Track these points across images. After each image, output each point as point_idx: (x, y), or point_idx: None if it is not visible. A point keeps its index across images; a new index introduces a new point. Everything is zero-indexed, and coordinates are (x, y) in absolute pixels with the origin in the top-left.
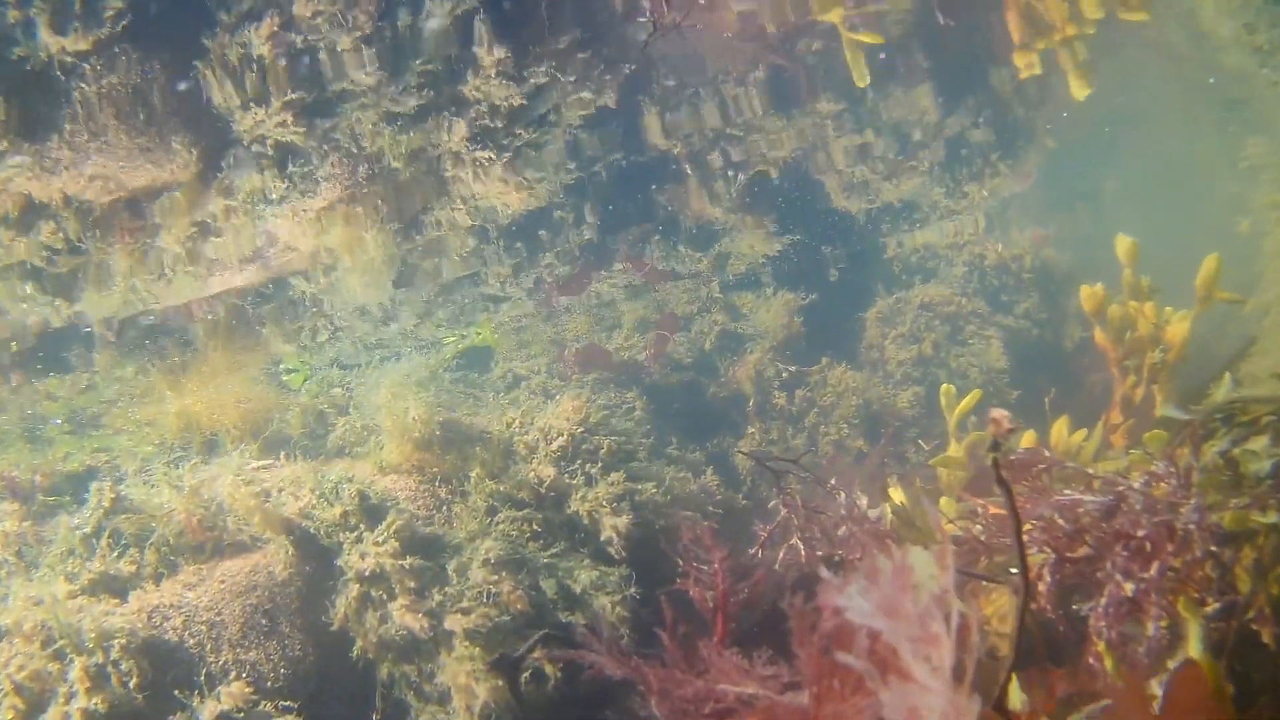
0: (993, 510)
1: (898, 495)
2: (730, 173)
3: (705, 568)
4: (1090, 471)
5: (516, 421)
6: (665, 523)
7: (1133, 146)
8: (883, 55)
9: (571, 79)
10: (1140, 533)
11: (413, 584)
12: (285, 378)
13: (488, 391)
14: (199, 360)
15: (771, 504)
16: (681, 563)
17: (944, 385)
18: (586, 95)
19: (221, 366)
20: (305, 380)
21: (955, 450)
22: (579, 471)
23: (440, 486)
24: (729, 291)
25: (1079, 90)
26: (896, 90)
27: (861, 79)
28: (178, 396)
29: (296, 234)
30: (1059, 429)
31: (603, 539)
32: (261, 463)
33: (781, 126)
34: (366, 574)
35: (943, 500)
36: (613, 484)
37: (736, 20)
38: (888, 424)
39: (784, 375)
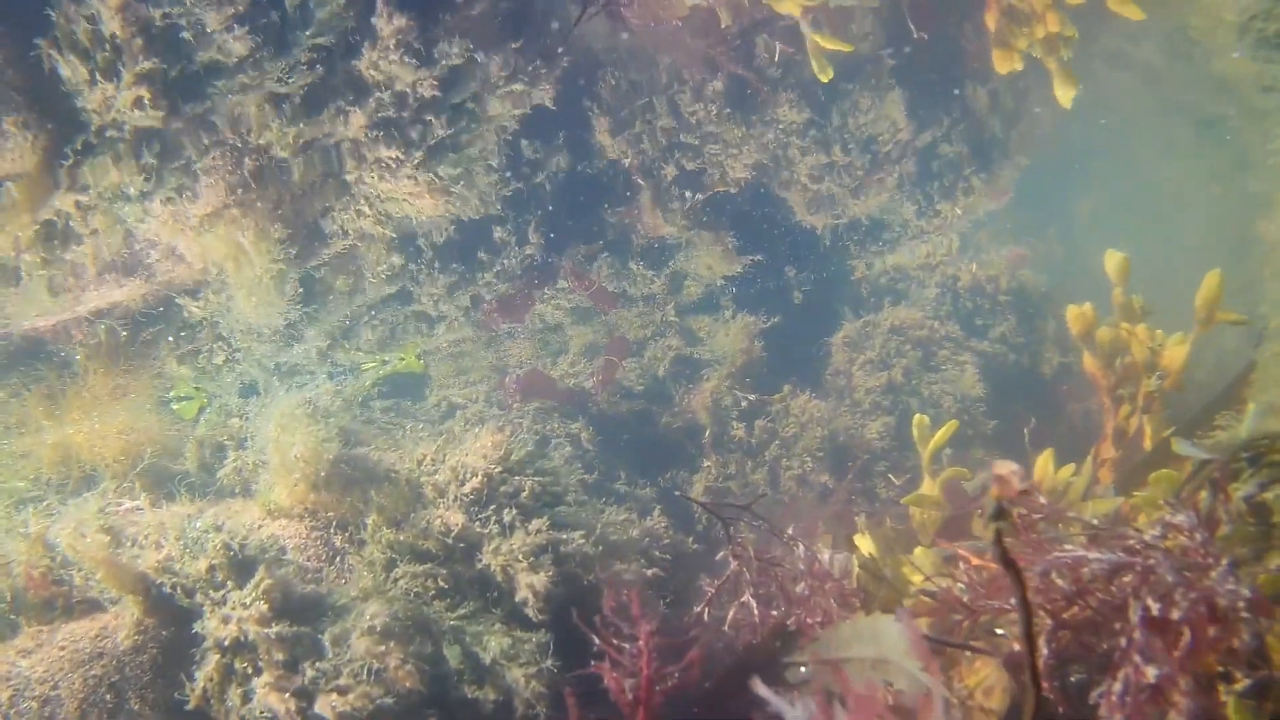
0: (975, 561)
1: (866, 544)
2: (687, 190)
3: (628, 646)
4: (1095, 523)
5: (428, 458)
6: (595, 578)
7: (1107, 170)
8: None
9: (496, 63)
10: (1175, 613)
11: (281, 655)
12: (176, 406)
13: (419, 421)
14: (80, 385)
15: (720, 555)
16: (598, 639)
17: (916, 416)
18: (518, 88)
19: (103, 393)
20: (202, 409)
21: (929, 487)
22: (493, 519)
23: (336, 534)
24: (686, 315)
25: (1064, 94)
26: (865, 100)
27: (824, 72)
28: (56, 426)
29: (181, 242)
30: (1043, 464)
31: (518, 599)
32: (132, 504)
33: (741, 137)
34: (228, 642)
35: (917, 552)
36: (533, 533)
37: (686, 8)
38: (855, 457)
39: (743, 404)
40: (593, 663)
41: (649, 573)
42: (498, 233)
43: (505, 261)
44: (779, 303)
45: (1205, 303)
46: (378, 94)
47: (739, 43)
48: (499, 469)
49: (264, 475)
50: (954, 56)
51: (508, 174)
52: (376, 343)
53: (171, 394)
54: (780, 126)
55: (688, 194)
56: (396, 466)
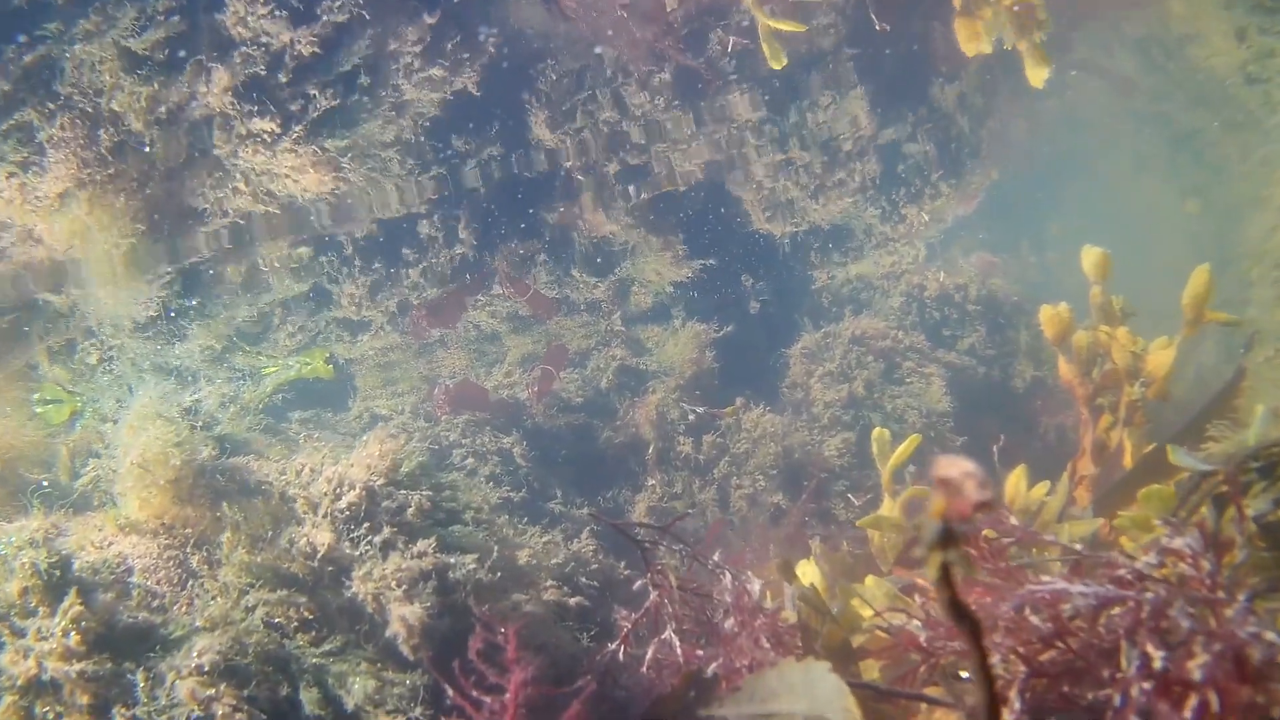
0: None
1: (809, 573)
2: (631, 187)
3: (489, 700)
4: (1077, 548)
5: (306, 469)
6: (489, 609)
7: (1079, 189)
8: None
9: (407, 36)
10: (1196, 672)
11: (87, 698)
12: (40, 410)
13: (338, 434)
14: None
15: (639, 584)
16: (451, 690)
17: (876, 430)
18: (438, 73)
19: None
20: (75, 414)
21: (889, 508)
22: (365, 539)
23: (195, 553)
24: (634, 325)
25: (1036, 74)
26: (825, 96)
27: (776, 58)
28: None
29: (33, 222)
30: (1015, 482)
31: (389, 633)
32: None
33: (691, 132)
34: (21, 681)
35: (868, 581)
36: (414, 556)
37: None
38: (812, 475)
39: (690, 418)
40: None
41: (573, 601)
42: (425, 229)
43: (433, 261)
44: (734, 312)
45: (1194, 300)
46: (244, 48)
47: (687, 32)
48: (382, 481)
49: (118, 485)
50: (920, 54)
51: (431, 165)
52: (297, 351)
53: (36, 397)
54: (734, 123)
55: (631, 190)
56: (272, 478)
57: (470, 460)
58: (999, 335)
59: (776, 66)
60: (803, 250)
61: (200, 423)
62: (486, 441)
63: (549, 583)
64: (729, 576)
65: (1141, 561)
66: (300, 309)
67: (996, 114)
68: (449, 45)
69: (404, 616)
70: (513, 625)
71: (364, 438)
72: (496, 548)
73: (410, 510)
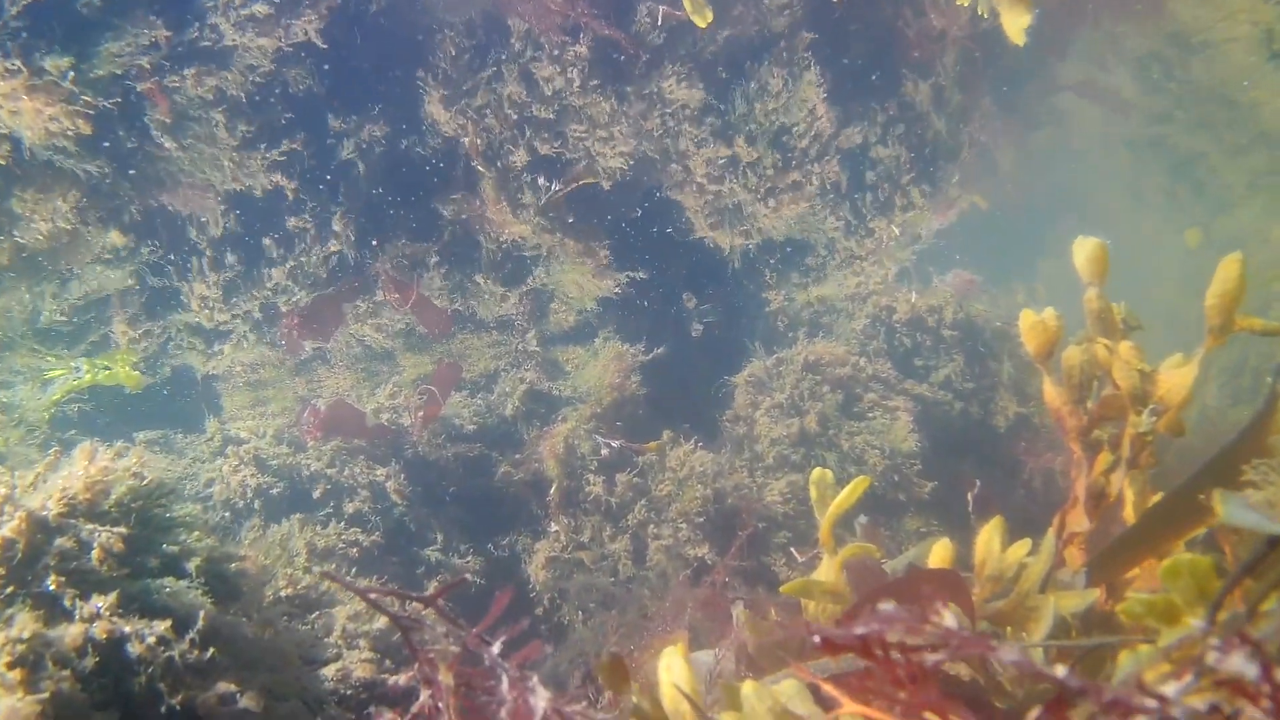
0: (853, 708)
1: (672, 670)
2: (541, 178)
3: None
4: (1058, 675)
5: None
6: (190, 699)
7: (1074, 226)
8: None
9: None
10: None
11: None
12: None
13: (186, 458)
14: None
15: (405, 678)
16: None
17: (816, 471)
18: (260, 9)
19: None
20: None
21: (828, 569)
22: (21, 594)
23: None
24: (553, 345)
25: (1015, 24)
26: (775, 80)
27: (700, 13)
28: None
29: None
30: (987, 539)
31: None
32: None
33: (611, 113)
34: None
35: (746, 690)
36: (84, 619)
37: None
38: (745, 524)
39: (604, 452)
40: None
41: (342, 688)
42: (291, 221)
43: (303, 259)
44: (672, 334)
45: (1222, 301)
46: None
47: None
48: (58, 511)
49: None
50: (888, 42)
51: (282, 138)
52: (141, 360)
53: None
54: (668, 109)
55: (541, 182)
56: None
57: (330, 497)
58: (978, 366)
59: (702, 25)
60: (756, 267)
61: None
62: (357, 473)
63: (300, 665)
64: (505, 683)
65: (1170, 688)
66: (130, 305)
67: (978, 117)
68: None
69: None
70: None
71: (72, 453)
72: (207, 611)
73: (95, 554)
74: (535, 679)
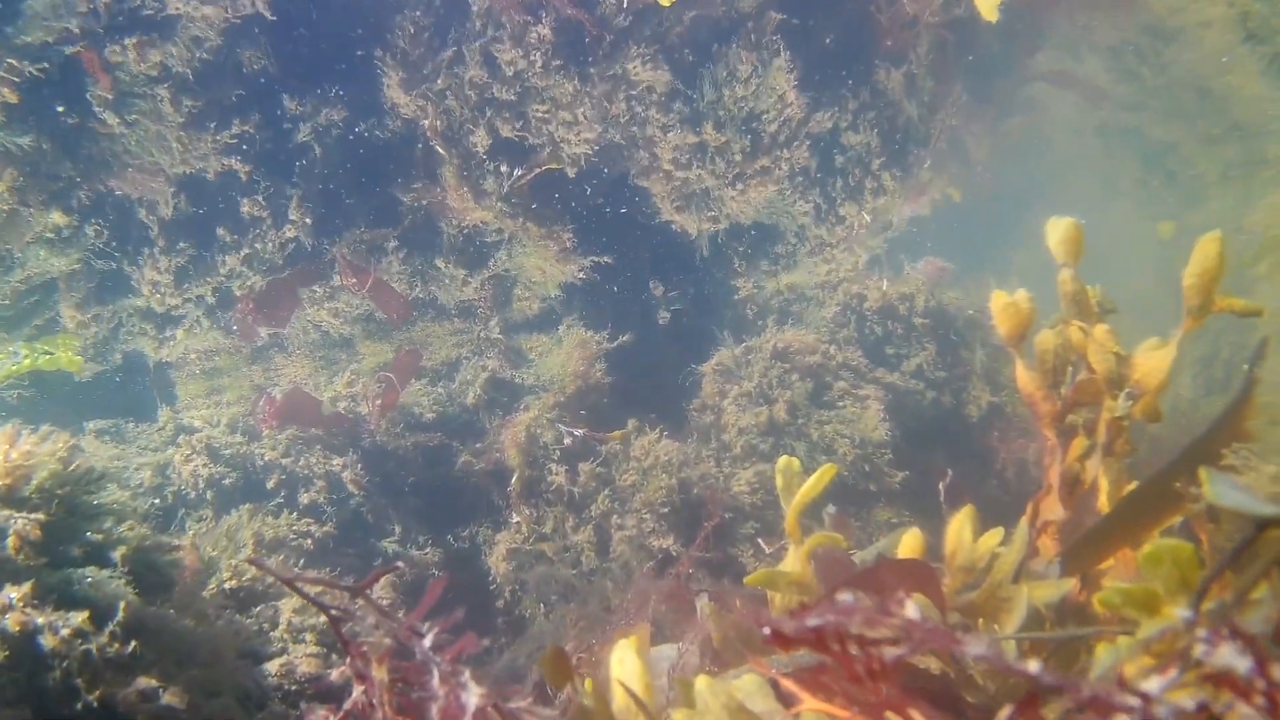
0: (815, 703)
1: (624, 665)
2: (504, 164)
3: None
4: (1030, 670)
5: None
6: (108, 695)
7: (1044, 215)
8: None
9: None
10: None
11: None
12: None
13: (133, 447)
14: None
15: (338, 674)
16: None
17: (783, 459)
18: None
19: None
20: None
21: (794, 560)
22: None
23: None
24: (516, 333)
25: (989, 4)
26: (744, 65)
27: None
28: None
29: None
30: (958, 529)
31: None
32: None
33: (574, 93)
34: None
35: (699, 685)
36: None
37: None
38: (712, 514)
39: (567, 441)
40: None
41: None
42: (245, 206)
43: (258, 245)
44: (638, 321)
45: (1201, 281)
46: None
47: None
48: None
49: None
50: (861, 28)
51: (233, 118)
52: (91, 346)
53: None
54: (633, 92)
55: (504, 168)
56: None
57: (284, 487)
58: (950, 355)
59: (665, 2)
60: (725, 255)
61: None
62: (313, 463)
63: (236, 660)
64: (435, 676)
65: (1152, 685)
66: (78, 292)
67: (949, 106)
68: None
69: None
70: None
71: None
72: (129, 602)
73: (9, 541)
74: (467, 674)
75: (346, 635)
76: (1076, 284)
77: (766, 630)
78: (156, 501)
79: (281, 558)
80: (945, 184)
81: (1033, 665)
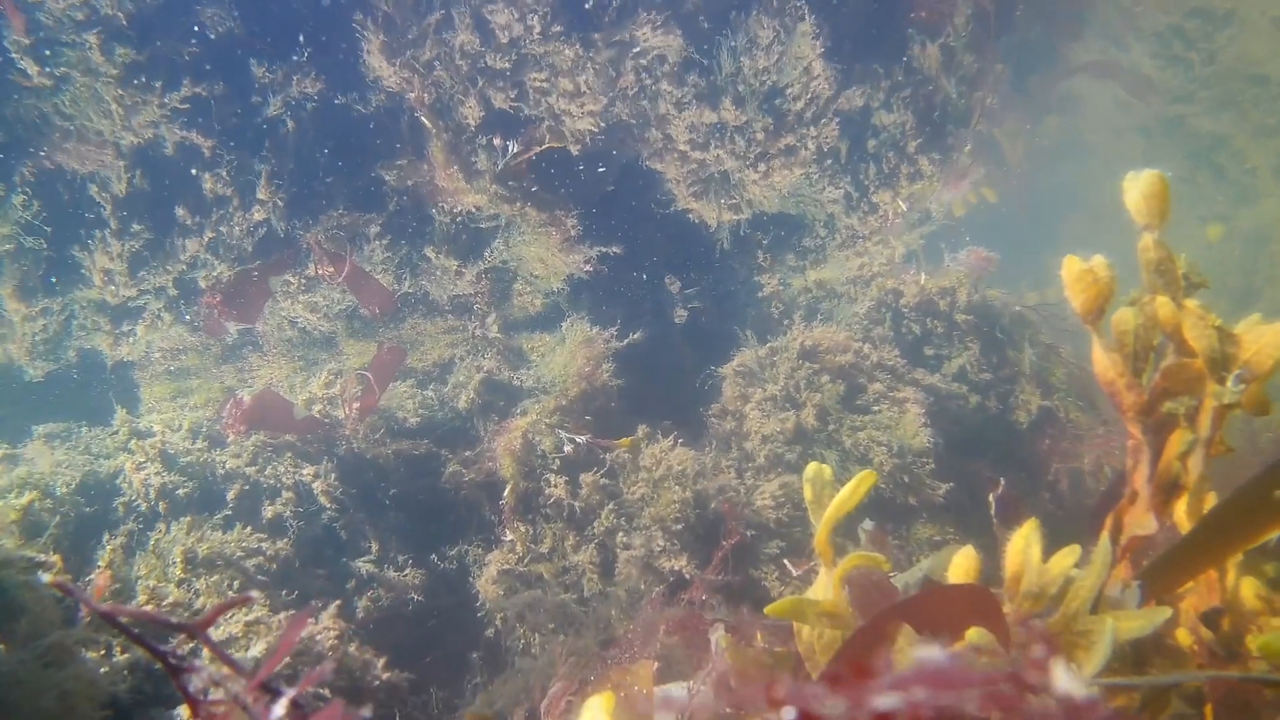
0: None
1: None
2: (497, 138)
3: None
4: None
5: None
6: None
7: (1083, 222)
8: None
9: None
10: None
11: None
12: None
13: (89, 455)
14: None
15: None
16: None
17: (811, 466)
18: None
19: None
20: None
21: (825, 585)
22: None
23: None
24: (517, 331)
25: None
26: (765, 33)
27: None
28: None
29: None
30: (1022, 547)
31: None
32: None
33: (575, 60)
34: None
35: None
36: None
37: None
38: (732, 532)
39: (567, 449)
40: None
41: None
42: (208, 182)
43: (224, 229)
44: (651, 319)
45: None
46: None
47: None
48: None
49: None
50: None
51: (182, 79)
52: (41, 342)
53: None
54: (643, 61)
55: (497, 142)
56: None
57: (246, 499)
58: (996, 355)
59: None
60: (748, 248)
61: None
62: (281, 472)
63: (92, 712)
64: None
65: None
66: (15, 279)
67: (990, 83)
68: None
69: None
70: None
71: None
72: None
73: None
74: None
75: (195, 692)
76: (1161, 250)
77: (791, 714)
78: (88, 511)
79: (227, 579)
80: (981, 181)
81: None
